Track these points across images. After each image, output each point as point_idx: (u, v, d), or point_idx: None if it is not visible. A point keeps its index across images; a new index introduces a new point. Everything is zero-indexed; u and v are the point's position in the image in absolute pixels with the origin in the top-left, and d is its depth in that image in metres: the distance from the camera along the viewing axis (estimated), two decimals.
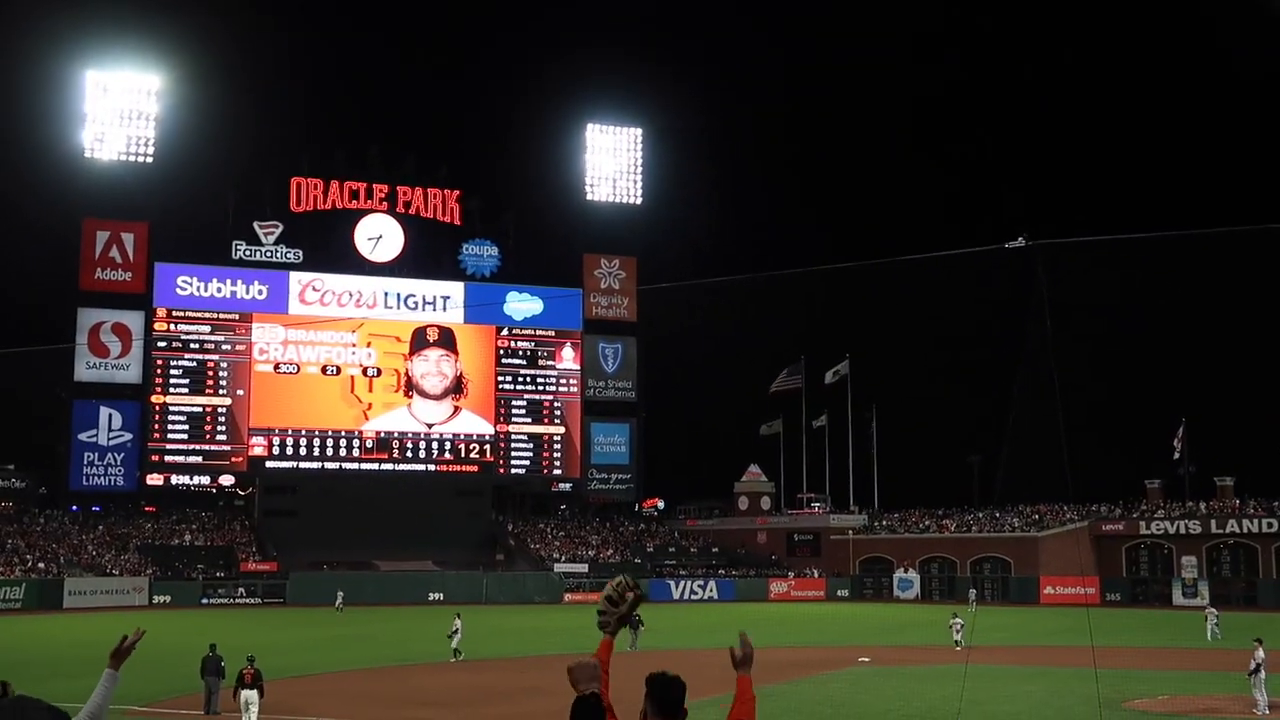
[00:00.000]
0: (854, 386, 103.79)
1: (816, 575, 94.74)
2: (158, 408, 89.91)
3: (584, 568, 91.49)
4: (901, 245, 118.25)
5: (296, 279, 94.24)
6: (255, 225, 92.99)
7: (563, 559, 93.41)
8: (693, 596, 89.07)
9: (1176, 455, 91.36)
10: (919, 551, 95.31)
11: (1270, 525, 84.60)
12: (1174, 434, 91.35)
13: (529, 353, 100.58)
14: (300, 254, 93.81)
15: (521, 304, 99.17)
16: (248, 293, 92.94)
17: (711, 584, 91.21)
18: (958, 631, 49.33)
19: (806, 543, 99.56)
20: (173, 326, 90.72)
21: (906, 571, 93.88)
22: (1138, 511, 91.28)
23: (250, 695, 27.33)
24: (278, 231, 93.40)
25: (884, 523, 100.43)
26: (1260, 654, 30.90)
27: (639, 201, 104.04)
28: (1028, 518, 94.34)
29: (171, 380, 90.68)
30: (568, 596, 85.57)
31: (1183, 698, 32.55)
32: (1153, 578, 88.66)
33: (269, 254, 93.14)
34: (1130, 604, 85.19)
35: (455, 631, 45.07)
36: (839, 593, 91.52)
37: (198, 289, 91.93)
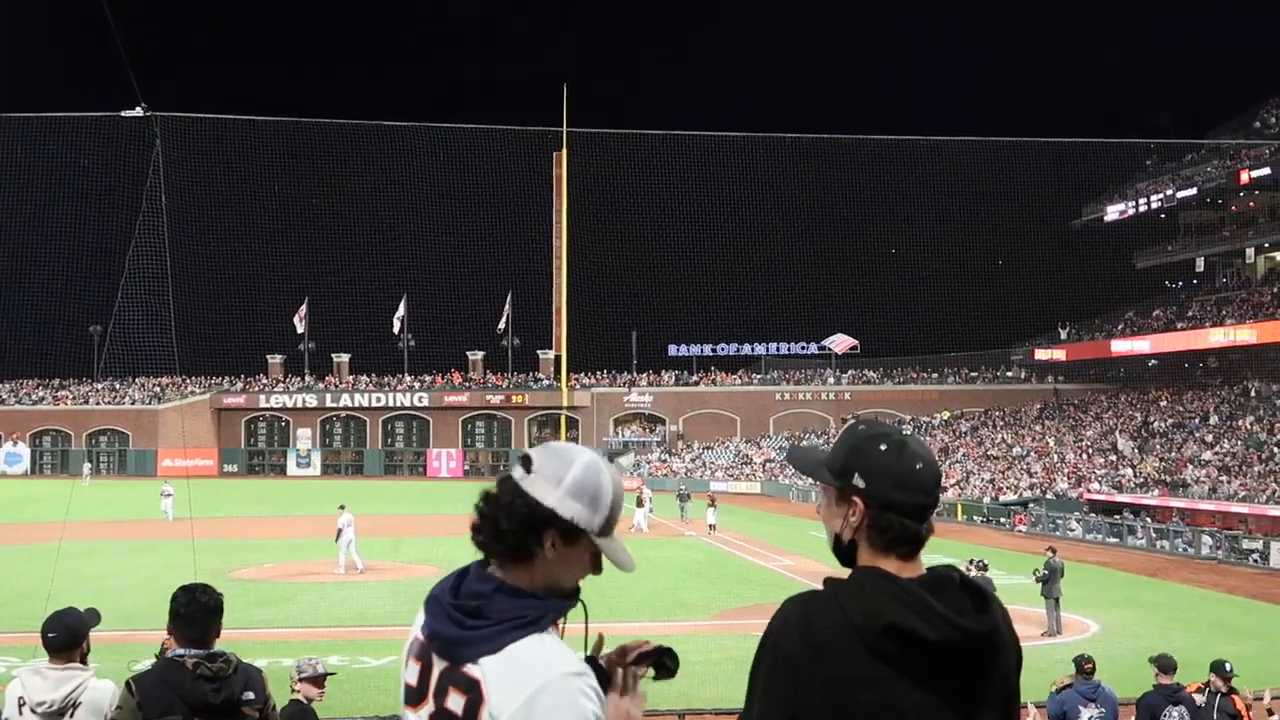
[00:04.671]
0: None
1: None
2: None
3: None
4: (15, 99, 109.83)
5: None
6: None
7: None
8: None
9: (299, 331, 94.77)
10: (31, 423, 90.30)
11: (379, 400, 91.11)
12: (297, 311, 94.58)
13: None
14: None
15: None
16: None
17: None
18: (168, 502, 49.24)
19: None
20: None
21: (16, 445, 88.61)
22: (258, 385, 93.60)
23: None
24: None
25: None
26: (345, 517, 32.85)
27: None
28: (150, 390, 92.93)
29: None
30: None
31: (284, 564, 34.01)
32: (270, 448, 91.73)
33: None
34: (248, 474, 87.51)
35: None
36: None
37: None
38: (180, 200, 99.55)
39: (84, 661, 6.05)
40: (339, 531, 32.70)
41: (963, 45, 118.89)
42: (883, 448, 2.69)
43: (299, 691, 8.48)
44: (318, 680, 8.66)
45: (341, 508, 33.50)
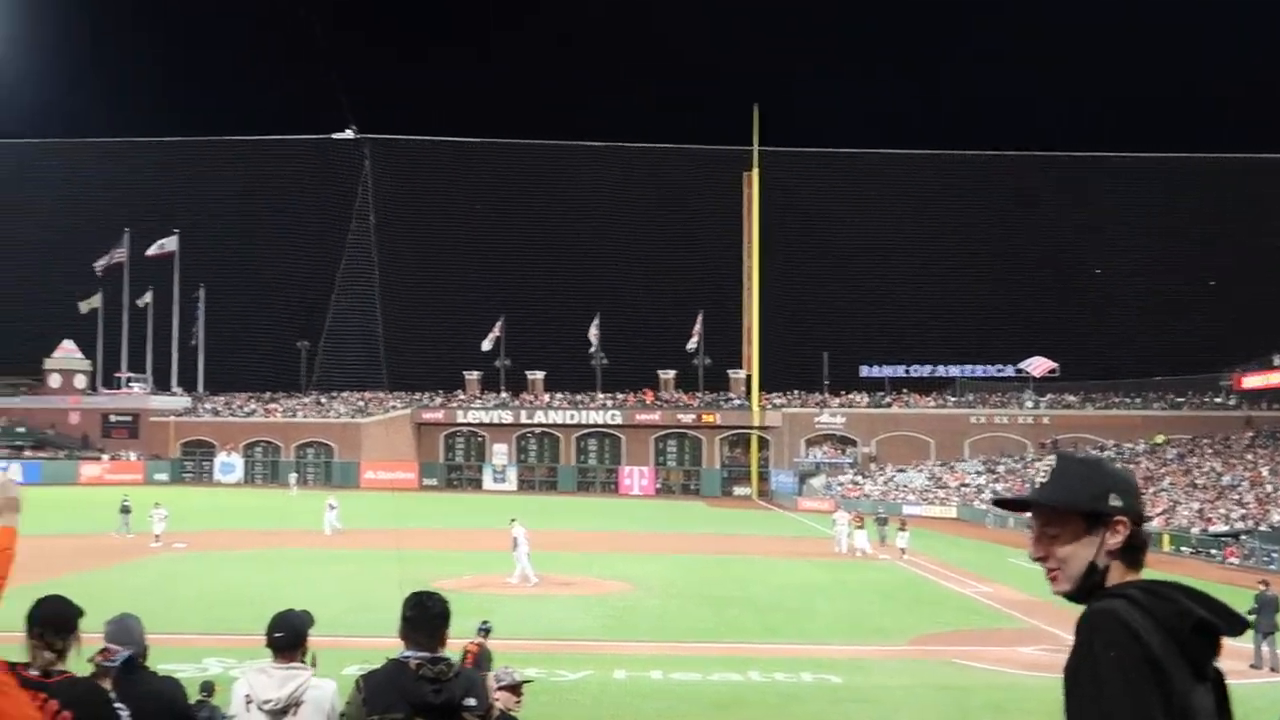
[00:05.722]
0: (182, 264, 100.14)
1: (134, 458, 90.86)
2: None
3: None
4: (235, 124, 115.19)
5: None
6: None
7: None
8: None
9: (488, 348, 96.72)
10: (243, 435, 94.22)
11: (572, 417, 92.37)
12: (491, 329, 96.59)
13: None
14: None
15: None
16: None
17: (14, 466, 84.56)
18: (332, 515, 49.75)
19: (124, 424, 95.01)
20: None
21: (230, 455, 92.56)
22: (456, 401, 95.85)
23: None
24: None
25: (208, 405, 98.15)
26: (518, 529, 34.20)
27: None
28: (353, 405, 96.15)
29: None
30: None
31: (482, 576, 34.72)
32: (467, 463, 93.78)
33: None
34: (446, 488, 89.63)
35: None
36: (158, 476, 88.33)
37: None
38: (387, 219, 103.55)
39: (304, 661, 6.31)
40: (514, 542, 33.91)
41: (1175, 55, 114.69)
42: (1118, 465, 2.75)
43: (498, 700, 8.66)
44: (515, 688, 8.84)
45: (513, 520, 34.54)
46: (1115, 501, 2.64)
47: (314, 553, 41.44)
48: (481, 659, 13.91)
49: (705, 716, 18.44)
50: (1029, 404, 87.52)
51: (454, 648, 5.53)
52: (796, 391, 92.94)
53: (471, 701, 5.22)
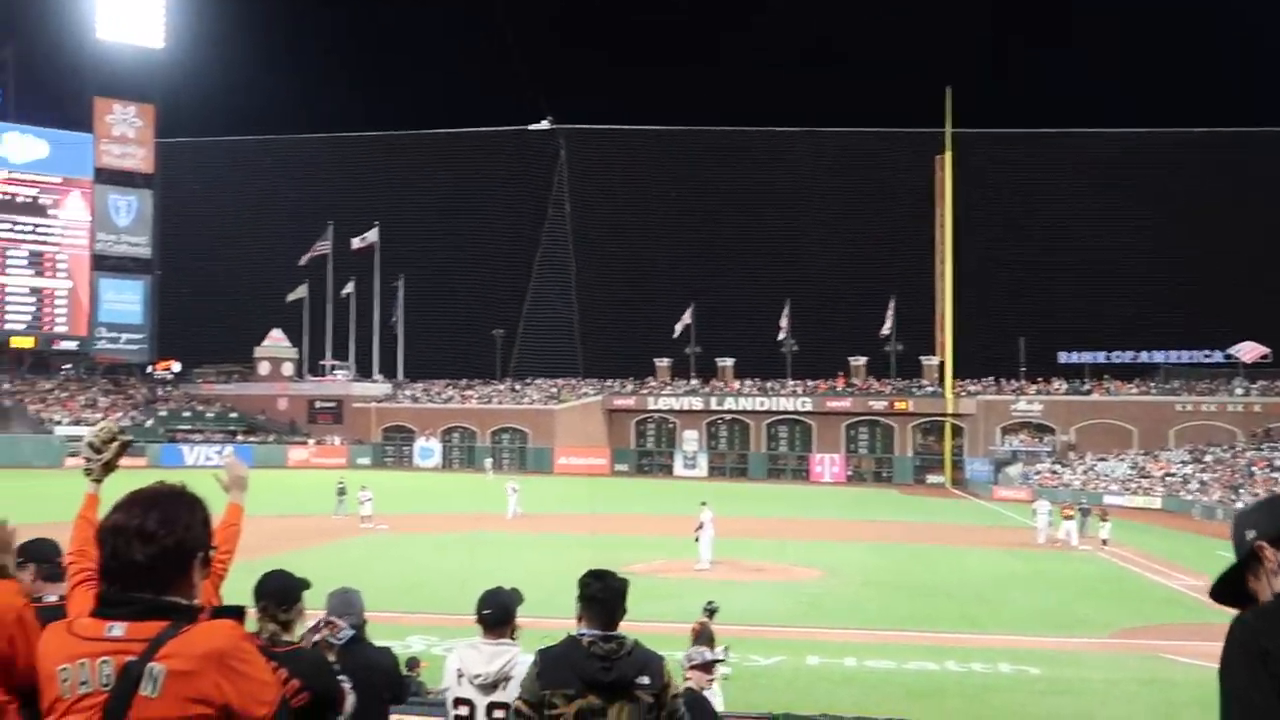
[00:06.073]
0: (382, 255, 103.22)
1: (338, 443, 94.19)
2: None
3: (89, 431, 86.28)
4: (434, 117, 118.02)
5: None
6: None
7: (65, 422, 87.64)
8: (207, 462, 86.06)
9: (677, 335, 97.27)
10: (441, 421, 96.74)
11: (762, 404, 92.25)
12: (681, 316, 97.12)
13: (31, 199, 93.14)
14: None
15: (22, 145, 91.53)
16: None
17: (228, 449, 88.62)
18: (514, 499, 50.81)
19: (329, 410, 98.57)
20: None
21: (428, 440, 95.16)
22: (647, 388, 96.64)
23: None
24: None
25: (407, 392, 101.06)
26: (706, 513, 34.84)
27: (161, 45, 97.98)
28: (547, 391, 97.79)
29: None
30: (70, 461, 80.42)
31: (673, 560, 34.99)
32: (658, 449, 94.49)
33: None
34: (637, 474, 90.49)
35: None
36: (360, 460, 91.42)
37: None
38: (581, 208, 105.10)
39: (513, 638, 6.50)
40: (700, 525, 34.44)
41: None
42: (1250, 503, 2.90)
43: (690, 679, 8.84)
44: (708, 667, 8.98)
45: (703, 504, 34.94)
46: (1249, 535, 2.74)
47: (510, 536, 42.37)
48: (703, 637, 14.22)
49: (901, 704, 18.26)
50: (1239, 391, 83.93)
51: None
52: (992, 378, 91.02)
53: (645, 680, 5.29)
